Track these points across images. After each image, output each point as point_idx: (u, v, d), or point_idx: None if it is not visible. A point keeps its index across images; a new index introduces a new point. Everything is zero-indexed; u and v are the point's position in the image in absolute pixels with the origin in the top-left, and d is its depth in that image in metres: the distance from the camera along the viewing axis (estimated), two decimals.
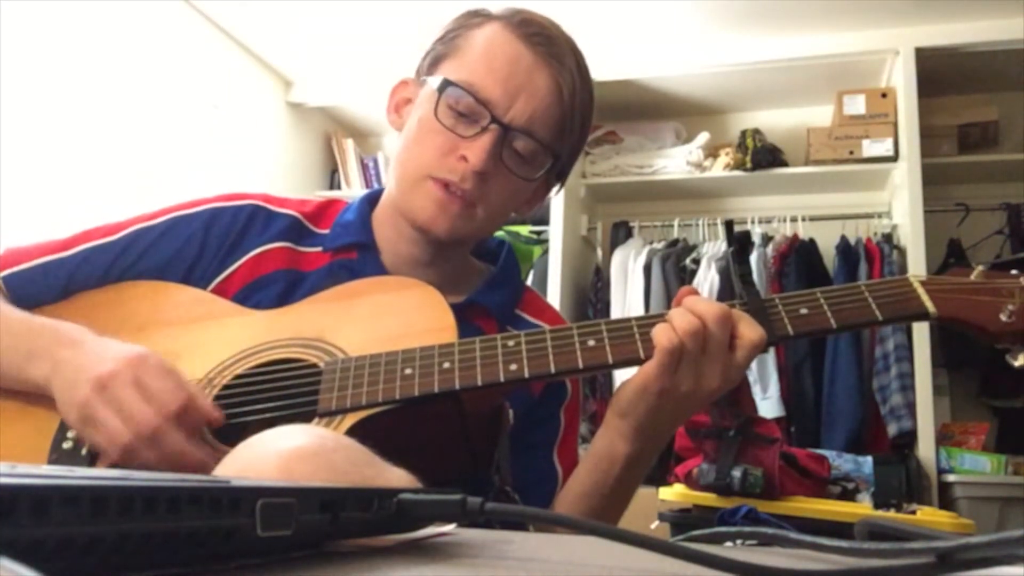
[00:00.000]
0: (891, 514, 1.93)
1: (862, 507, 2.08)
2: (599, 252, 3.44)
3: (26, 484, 0.23)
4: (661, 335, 0.72)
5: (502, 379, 0.72)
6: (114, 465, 0.71)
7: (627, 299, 3.14)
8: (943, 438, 2.80)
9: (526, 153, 0.88)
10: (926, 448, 2.66)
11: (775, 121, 3.42)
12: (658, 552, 0.34)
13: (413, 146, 0.89)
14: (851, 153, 3.10)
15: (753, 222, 3.22)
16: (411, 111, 0.92)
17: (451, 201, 0.86)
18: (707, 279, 3.00)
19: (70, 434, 0.74)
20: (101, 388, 0.68)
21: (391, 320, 0.79)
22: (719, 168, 3.27)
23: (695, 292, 0.78)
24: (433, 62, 0.92)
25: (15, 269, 0.87)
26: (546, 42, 0.88)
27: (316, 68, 3.59)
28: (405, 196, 0.89)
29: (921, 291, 0.74)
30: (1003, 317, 0.71)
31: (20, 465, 0.32)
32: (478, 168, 0.84)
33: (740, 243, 0.80)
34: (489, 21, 0.90)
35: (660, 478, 2.37)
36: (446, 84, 0.86)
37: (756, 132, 3.26)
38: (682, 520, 2.01)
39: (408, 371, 0.72)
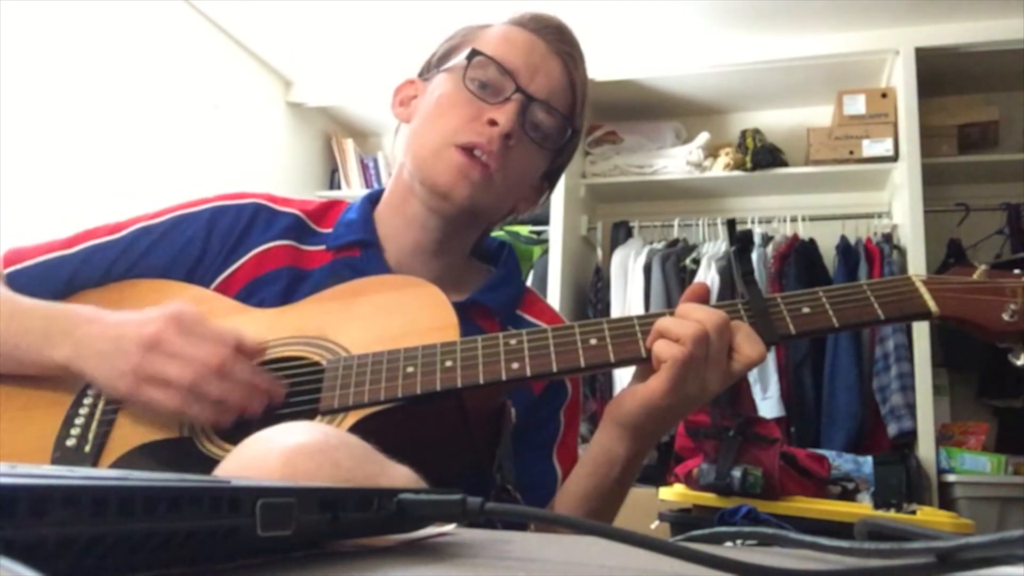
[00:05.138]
0: (891, 514, 1.93)
1: (862, 507, 2.08)
2: (599, 252, 3.44)
3: (26, 484, 0.23)
4: (665, 350, 0.70)
5: (504, 378, 0.72)
6: (119, 462, 0.71)
7: (627, 299, 3.14)
8: (943, 438, 2.80)
9: (545, 126, 0.91)
10: (926, 448, 2.66)
11: (775, 121, 3.42)
12: (658, 552, 0.34)
13: (433, 120, 0.91)
14: (851, 153, 3.10)
15: (753, 222, 3.22)
16: (419, 103, 0.95)
17: (472, 166, 0.87)
18: (707, 279, 3.00)
19: (73, 431, 0.74)
20: (152, 346, 0.70)
21: (393, 318, 0.79)
22: (719, 168, 3.27)
23: (707, 289, 0.78)
24: (445, 56, 0.95)
25: (18, 267, 0.88)
26: (558, 34, 0.93)
27: (316, 68, 3.59)
28: (426, 165, 0.90)
29: (923, 290, 0.73)
30: (1006, 317, 0.71)
31: (20, 465, 0.32)
32: (506, 129, 0.86)
33: (742, 242, 0.80)
34: (498, 24, 0.94)
35: (660, 478, 2.38)
36: (474, 53, 0.90)
37: (756, 132, 3.26)
38: (682, 520, 2.01)
39: (410, 369, 0.72)
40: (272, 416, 0.73)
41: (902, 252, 2.95)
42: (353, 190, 3.70)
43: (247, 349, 0.74)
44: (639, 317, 0.75)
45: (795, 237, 3.14)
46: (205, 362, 0.70)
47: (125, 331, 0.72)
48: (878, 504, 2.07)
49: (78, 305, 0.78)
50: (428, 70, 0.96)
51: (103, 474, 0.29)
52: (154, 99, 2.96)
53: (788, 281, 2.98)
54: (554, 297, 3.11)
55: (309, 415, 0.72)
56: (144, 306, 0.85)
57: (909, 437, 2.72)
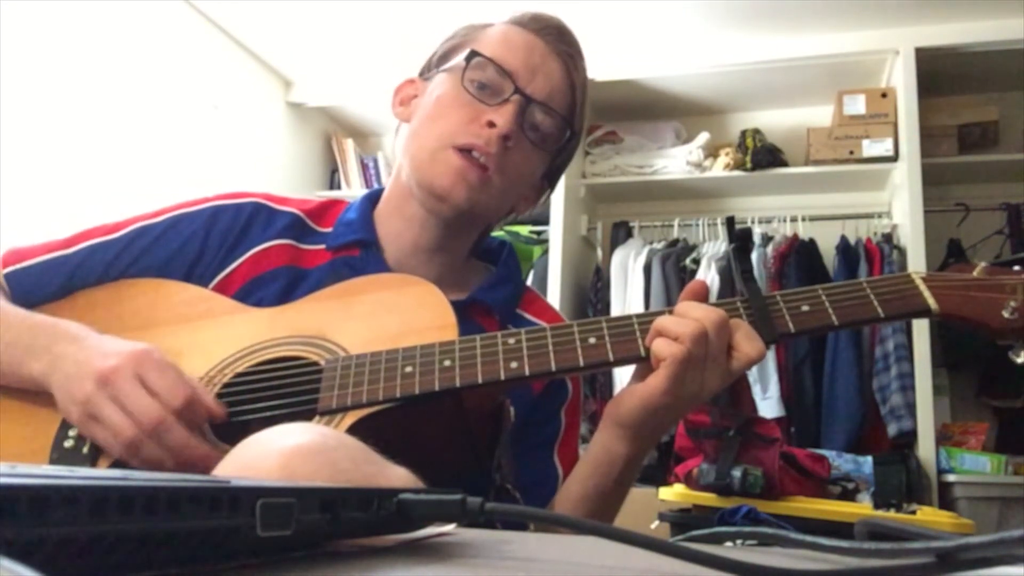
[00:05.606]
0: (891, 514, 1.93)
1: (862, 507, 2.08)
2: (599, 252, 3.44)
3: (26, 484, 0.23)
4: (664, 349, 0.70)
5: (503, 377, 0.71)
6: (118, 462, 0.71)
7: (627, 299, 3.14)
8: (943, 438, 2.80)
9: (544, 127, 0.91)
10: (926, 448, 2.66)
11: (775, 121, 3.42)
12: (658, 552, 0.34)
13: (432, 121, 0.90)
14: (851, 153, 3.10)
15: (753, 222, 3.22)
16: (419, 102, 0.95)
17: (470, 169, 0.87)
18: (707, 279, 3.00)
19: (71, 432, 0.74)
20: (103, 383, 0.68)
21: (392, 318, 0.79)
22: (719, 168, 3.27)
23: (706, 287, 0.78)
24: (445, 55, 0.95)
25: (17, 267, 0.88)
26: (557, 34, 0.93)
27: (316, 68, 3.59)
28: (424, 167, 0.90)
29: (923, 287, 0.73)
30: (1005, 314, 0.71)
31: (20, 465, 0.32)
32: (505, 131, 0.86)
33: (742, 240, 0.80)
34: (498, 23, 0.94)
35: (660, 478, 2.38)
36: (473, 54, 0.89)
37: (756, 132, 3.26)
38: (682, 520, 2.01)
39: (409, 369, 0.72)
40: (271, 417, 0.73)
41: (902, 252, 2.95)
42: (353, 190, 3.70)
43: (199, 406, 0.70)
44: (638, 316, 0.75)
45: (795, 237, 3.14)
46: (141, 422, 0.67)
47: (88, 358, 0.70)
48: (878, 504, 2.07)
49: (70, 322, 0.76)
50: (428, 70, 0.96)
51: (103, 474, 0.29)
52: (154, 99, 2.96)
53: (788, 281, 2.97)
54: (554, 297, 3.10)
55: (307, 415, 0.72)
56: (141, 304, 0.85)
57: (909, 437, 2.72)
